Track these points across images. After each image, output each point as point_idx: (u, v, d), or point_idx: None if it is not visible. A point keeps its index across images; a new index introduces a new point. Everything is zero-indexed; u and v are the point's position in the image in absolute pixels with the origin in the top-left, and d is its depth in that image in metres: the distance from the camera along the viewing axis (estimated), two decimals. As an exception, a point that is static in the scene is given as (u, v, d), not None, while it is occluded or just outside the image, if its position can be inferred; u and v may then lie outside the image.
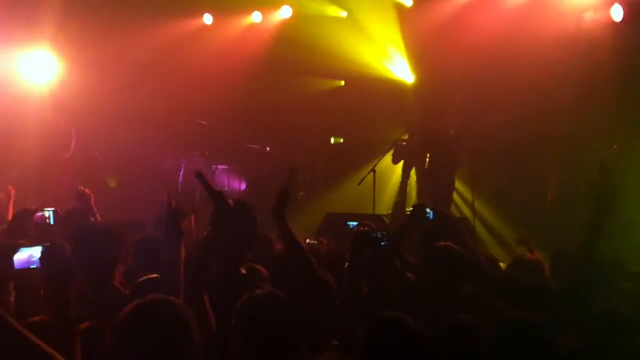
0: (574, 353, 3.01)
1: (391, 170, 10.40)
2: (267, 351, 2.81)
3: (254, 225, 3.76)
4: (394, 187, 10.43)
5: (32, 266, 3.55)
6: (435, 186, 9.12)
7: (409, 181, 9.84)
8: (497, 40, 9.09)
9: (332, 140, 11.97)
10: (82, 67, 10.09)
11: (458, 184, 9.62)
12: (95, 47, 10.09)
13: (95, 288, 3.67)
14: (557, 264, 4.23)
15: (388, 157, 9.68)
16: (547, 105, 9.21)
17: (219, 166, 11.39)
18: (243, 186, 11.21)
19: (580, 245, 3.42)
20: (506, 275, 4.27)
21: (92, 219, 5.25)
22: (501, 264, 5.05)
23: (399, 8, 10.75)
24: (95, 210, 5.62)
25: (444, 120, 9.41)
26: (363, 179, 9.11)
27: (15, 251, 3.40)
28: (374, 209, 9.24)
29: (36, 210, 4.06)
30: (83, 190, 5.77)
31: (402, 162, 9.83)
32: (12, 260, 3.37)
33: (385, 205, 10.20)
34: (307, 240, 5.85)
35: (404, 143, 9.68)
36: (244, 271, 3.65)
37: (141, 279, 3.58)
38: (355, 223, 6.71)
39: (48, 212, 4.30)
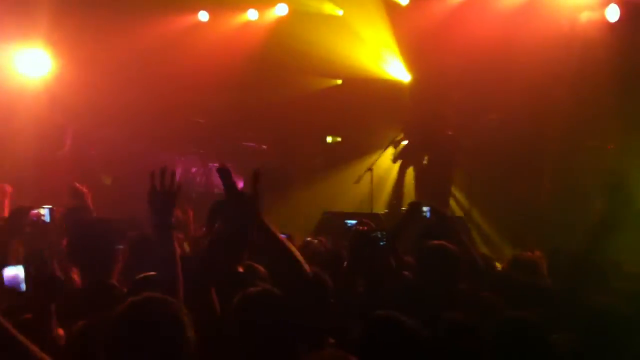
0: (570, 352, 3.02)
1: (389, 169, 10.41)
2: (263, 349, 2.81)
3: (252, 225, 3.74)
4: (391, 185, 10.44)
5: (21, 287, 3.53)
6: (432, 185, 9.13)
7: (405, 180, 9.84)
8: (493, 39, 9.10)
9: (329, 139, 11.97)
10: (77, 63, 10.06)
11: (455, 183, 9.63)
12: (91, 43, 10.05)
13: (93, 285, 3.66)
14: (554, 263, 4.23)
15: (385, 156, 9.69)
16: (543, 105, 9.22)
17: (215, 164, 11.36)
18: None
19: (584, 244, 3.43)
20: (503, 274, 4.28)
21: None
22: (497, 263, 5.05)
23: (395, 7, 10.75)
24: (91, 207, 5.61)
25: (441, 120, 9.42)
26: (360, 177, 9.12)
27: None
28: (371, 207, 9.25)
29: (32, 208, 4.04)
30: (79, 188, 5.76)
31: (400, 160, 9.84)
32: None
33: (382, 204, 10.21)
34: (308, 239, 5.85)
35: (403, 142, 9.69)
36: (241, 269, 3.64)
37: (138, 277, 3.57)
38: (354, 222, 6.71)
39: (44, 210, 4.28)
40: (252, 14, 11.53)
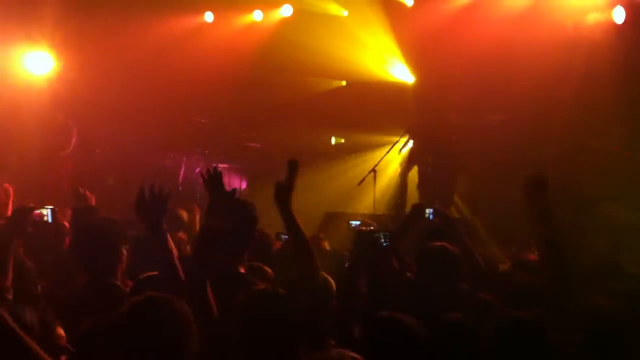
0: (570, 353, 3.01)
1: (392, 171, 10.40)
2: (263, 348, 2.81)
3: (254, 225, 3.75)
4: (394, 187, 10.43)
5: None
6: (435, 187, 9.12)
7: (408, 182, 9.83)
8: (497, 41, 9.07)
9: (333, 140, 11.97)
10: (82, 64, 10.08)
11: (458, 185, 9.61)
12: (96, 44, 10.08)
13: (96, 285, 3.67)
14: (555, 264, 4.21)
15: (389, 158, 9.68)
16: (547, 107, 9.19)
17: (219, 165, 11.37)
18: (244, 185, 11.20)
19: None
20: (504, 275, 4.28)
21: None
22: (501, 265, 5.05)
23: (400, 7, 10.74)
24: (97, 208, 5.63)
25: (444, 122, 9.42)
26: (363, 179, 9.11)
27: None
28: (374, 209, 9.25)
29: (34, 208, 4.05)
30: (83, 192, 5.79)
31: (404, 162, 9.84)
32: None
33: (386, 205, 10.19)
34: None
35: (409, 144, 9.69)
36: (242, 270, 3.64)
37: (141, 277, 3.58)
38: (357, 222, 6.72)
39: (46, 210, 4.29)
40: (257, 15, 11.56)
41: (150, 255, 3.86)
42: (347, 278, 3.97)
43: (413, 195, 9.63)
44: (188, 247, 5.02)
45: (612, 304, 3.09)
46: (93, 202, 5.91)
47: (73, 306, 3.57)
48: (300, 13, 11.27)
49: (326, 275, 3.62)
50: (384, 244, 4.26)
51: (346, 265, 4.20)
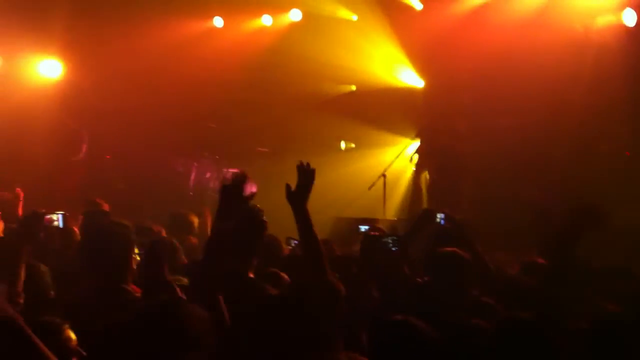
0: (574, 356, 3.00)
1: (402, 175, 10.39)
2: (273, 354, 2.82)
3: (263, 230, 3.76)
4: (403, 192, 10.41)
5: None
6: (445, 190, 9.10)
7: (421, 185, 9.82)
8: (507, 43, 9.05)
9: (343, 145, 11.97)
10: (93, 70, 10.16)
11: (467, 188, 9.58)
12: (106, 50, 10.14)
13: (105, 289, 3.68)
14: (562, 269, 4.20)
15: (398, 162, 9.67)
16: (557, 110, 9.16)
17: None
18: (254, 189, 11.21)
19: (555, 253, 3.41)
20: (513, 280, 4.27)
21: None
22: (510, 269, 5.03)
23: (410, 11, 10.73)
24: (108, 213, 5.68)
25: (453, 126, 9.41)
26: (373, 184, 9.11)
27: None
28: (384, 213, 9.23)
29: (46, 214, 4.08)
30: (100, 201, 5.86)
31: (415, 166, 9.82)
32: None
33: (395, 210, 10.18)
34: None
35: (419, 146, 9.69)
36: (251, 275, 3.65)
37: (153, 281, 3.59)
38: (366, 227, 6.71)
39: (57, 216, 4.32)
40: (266, 20, 11.59)
41: (164, 260, 3.89)
42: (357, 283, 3.97)
43: (423, 198, 9.62)
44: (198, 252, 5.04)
45: (619, 309, 3.08)
46: (106, 208, 5.97)
47: (82, 309, 3.58)
48: (310, 18, 11.29)
49: (335, 280, 3.62)
50: (393, 249, 4.26)
51: (354, 270, 4.20)
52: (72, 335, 2.96)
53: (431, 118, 10.06)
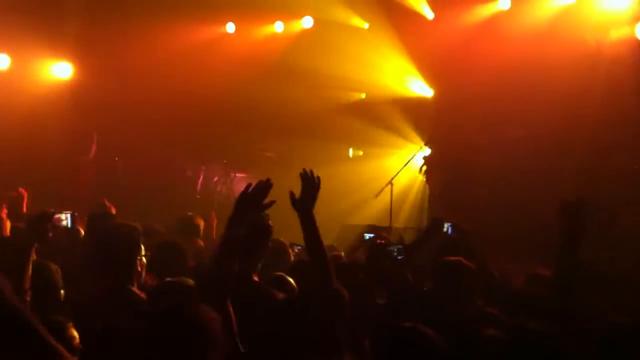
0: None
1: (409, 184, 10.38)
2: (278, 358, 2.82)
3: (268, 235, 3.77)
4: (412, 200, 10.40)
5: None
6: (454, 201, 9.08)
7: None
8: (518, 55, 9.04)
9: (351, 152, 11.98)
10: (103, 73, 10.22)
11: (475, 198, 9.56)
12: (117, 53, 10.21)
13: (111, 289, 3.69)
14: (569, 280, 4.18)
15: (406, 170, 9.66)
16: (568, 122, 9.13)
17: (237, 174, 11.45)
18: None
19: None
20: (519, 291, 4.26)
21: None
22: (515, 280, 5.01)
23: (421, 20, 10.74)
24: (113, 215, 5.70)
25: (463, 135, 9.40)
26: (380, 191, 9.10)
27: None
28: (390, 221, 9.22)
29: (55, 213, 4.10)
30: (109, 205, 5.88)
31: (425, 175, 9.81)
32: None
33: (403, 218, 10.16)
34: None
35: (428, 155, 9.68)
36: (256, 279, 3.66)
37: (159, 283, 3.60)
38: (371, 235, 6.71)
39: (65, 215, 4.33)
40: (278, 26, 11.63)
41: (171, 262, 3.90)
42: (362, 290, 3.97)
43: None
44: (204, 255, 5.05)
45: (629, 321, 3.06)
46: (113, 211, 6.00)
47: (87, 309, 3.59)
48: (321, 25, 11.32)
49: (340, 286, 3.63)
50: (398, 257, 4.26)
51: (359, 276, 4.20)
52: (75, 334, 2.97)
53: (442, 128, 10.04)
